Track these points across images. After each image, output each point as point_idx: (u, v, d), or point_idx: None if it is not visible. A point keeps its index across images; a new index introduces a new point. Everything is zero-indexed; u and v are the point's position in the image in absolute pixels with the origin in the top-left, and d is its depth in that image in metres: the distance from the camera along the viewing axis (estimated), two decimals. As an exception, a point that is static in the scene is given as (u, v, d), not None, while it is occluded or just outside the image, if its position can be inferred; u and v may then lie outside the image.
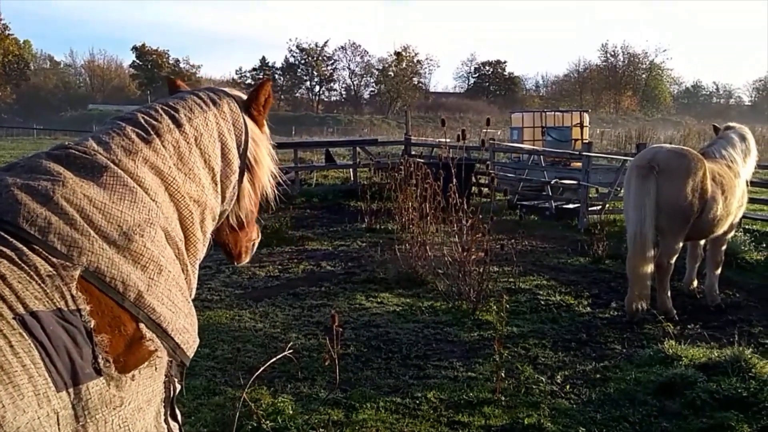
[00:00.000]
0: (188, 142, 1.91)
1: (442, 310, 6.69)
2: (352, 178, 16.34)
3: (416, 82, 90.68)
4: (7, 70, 73.23)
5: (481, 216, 6.96)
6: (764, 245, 9.14)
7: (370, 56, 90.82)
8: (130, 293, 1.56)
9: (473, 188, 13.61)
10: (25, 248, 1.44)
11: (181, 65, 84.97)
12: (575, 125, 25.19)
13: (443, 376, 5.02)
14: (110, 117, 1.99)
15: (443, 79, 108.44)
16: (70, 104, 75.71)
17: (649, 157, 6.44)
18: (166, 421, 1.74)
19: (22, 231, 1.47)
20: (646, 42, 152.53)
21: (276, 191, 2.31)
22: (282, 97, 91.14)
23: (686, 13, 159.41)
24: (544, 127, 25.15)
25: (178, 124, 1.92)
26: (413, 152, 16.71)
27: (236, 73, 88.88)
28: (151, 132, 1.84)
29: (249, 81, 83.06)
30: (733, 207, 6.68)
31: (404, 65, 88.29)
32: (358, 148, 16.84)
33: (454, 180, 7.12)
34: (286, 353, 3.88)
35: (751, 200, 9.42)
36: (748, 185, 7.23)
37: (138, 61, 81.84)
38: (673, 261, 6.42)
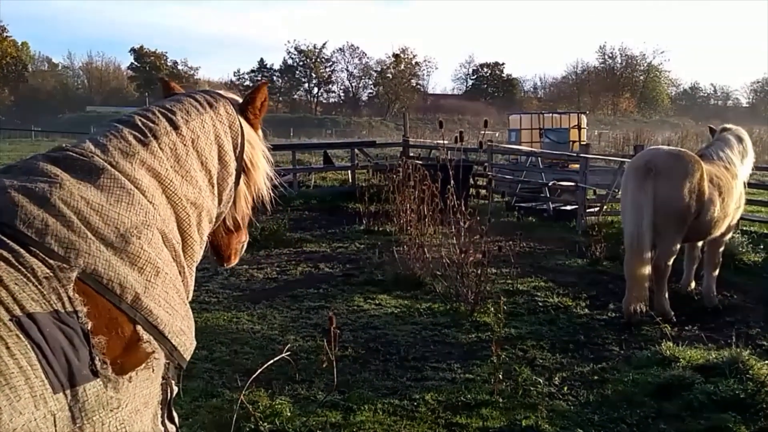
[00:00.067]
0: (185, 145, 1.91)
1: (440, 311, 6.70)
2: (350, 180, 16.33)
3: (414, 84, 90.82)
4: (5, 72, 73.22)
5: (479, 218, 6.97)
6: (762, 247, 9.14)
7: (368, 58, 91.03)
8: (128, 295, 1.56)
9: (471, 190, 13.62)
10: (22, 250, 1.44)
11: (180, 67, 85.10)
12: (573, 127, 25.26)
13: (441, 378, 5.02)
14: (108, 119, 1.99)
15: (441, 80, 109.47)
16: (69, 106, 75.66)
17: (646, 159, 6.46)
18: (163, 423, 1.74)
19: (20, 233, 1.47)
20: (644, 44, 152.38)
21: (272, 194, 2.31)
22: (280, 98, 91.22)
23: (685, 13, 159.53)
24: (542, 128, 25.22)
25: (175, 127, 1.92)
26: (411, 154, 16.72)
27: (234, 75, 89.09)
28: (148, 134, 1.85)
29: (247, 83, 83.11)
30: (730, 209, 6.69)
31: (402, 67, 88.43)
32: (356, 150, 16.84)
33: (452, 182, 7.12)
34: (283, 355, 3.89)
35: (749, 202, 9.43)
36: (745, 187, 7.24)
37: (136, 63, 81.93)
38: (670, 263, 6.42)
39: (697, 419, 4.29)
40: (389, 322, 6.35)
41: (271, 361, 4.07)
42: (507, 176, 15.09)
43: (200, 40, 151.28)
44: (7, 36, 73.92)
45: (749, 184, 8.13)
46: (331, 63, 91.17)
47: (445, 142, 9.41)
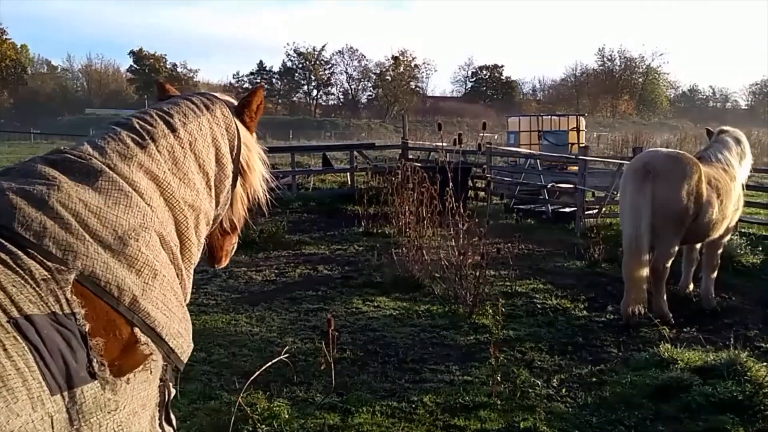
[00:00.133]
0: (183, 147, 1.92)
1: (438, 313, 6.70)
2: (349, 182, 16.35)
3: (414, 87, 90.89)
4: (4, 75, 73.22)
5: (477, 220, 6.98)
6: (760, 249, 9.15)
7: (367, 60, 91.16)
8: (125, 297, 1.57)
9: (470, 192, 13.64)
10: (20, 252, 1.44)
11: (179, 70, 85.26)
12: (572, 129, 25.27)
13: (439, 380, 5.02)
14: (107, 121, 1.99)
15: (441, 83, 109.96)
16: (68, 108, 75.69)
17: (644, 161, 6.47)
18: (161, 425, 1.74)
19: (18, 235, 1.47)
20: (643, 46, 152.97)
21: (268, 196, 2.32)
22: (279, 101, 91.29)
23: (684, 13, 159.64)
24: (541, 131, 25.23)
25: (173, 129, 1.93)
26: (410, 156, 16.73)
27: (234, 78, 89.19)
28: (146, 137, 1.85)
29: (246, 85, 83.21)
30: (729, 211, 6.70)
31: (402, 69, 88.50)
32: (355, 152, 16.87)
33: (451, 184, 7.13)
34: (282, 357, 3.89)
35: (747, 204, 9.43)
36: (743, 189, 7.25)
37: (135, 66, 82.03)
38: (668, 265, 6.43)
39: (696, 421, 4.30)
40: (388, 324, 6.35)
41: (269, 364, 4.07)
42: (506, 178, 15.10)
43: (199, 42, 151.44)
44: (6, 38, 73.97)
45: (748, 186, 8.13)
46: (330, 65, 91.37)
47: (444, 144, 9.43)
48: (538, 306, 6.98)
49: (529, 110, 68.59)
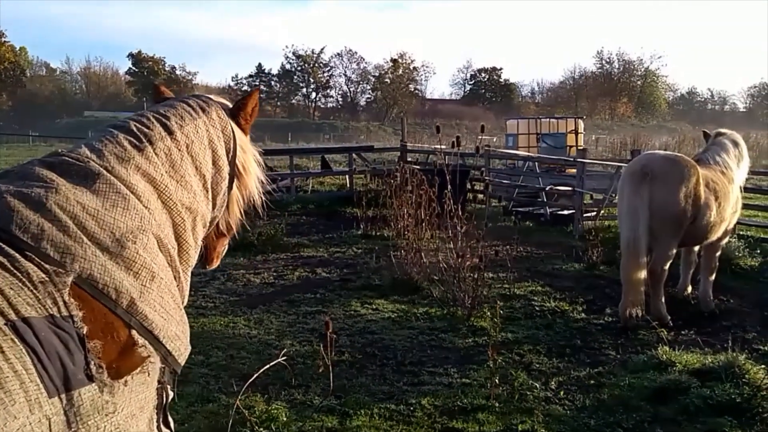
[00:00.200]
0: (180, 150, 1.93)
1: (437, 316, 6.70)
2: (348, 185, 16.35)
3: (412, 89, 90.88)
4: (2, 77, 73.19)
5: (476, 222, 6.98)
6: (758, 251, 9.17)
7: (366, 63, 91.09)
8: (123, 300, 1.57)
9: (468, 195, 13.64)
10: (17, 255, 1.44)
11: (178, 72, 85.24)
12: (570, 132, 25.26)
13: (438, 383, 5.02)
14: (105, 124, 2.00)
15: (439, 85, 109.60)
16: (66, 111, 75.63)
17: (642, 164, 6.48)
18: (158, 428, 1.74)
19: (15, 238, 1.47)
20: (641, 49, 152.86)
21: (263, 198, 2.33)
22: (278, 103, 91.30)
23: (683, 13, 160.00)
24: (539, 133, 25.23)
25: (170, 132, 1.93)
26: (409, 159, 16.74)
27: (232, 80, 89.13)
28: (144, 140, 1.86)
29: (245, 88, 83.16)
30: (727, 213, 6.71)
31: (400, 72, 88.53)
32: (354, 155, 16.88)
33: (449, 186, 7.14)
34: (280, 360, 3.89)
35: (746, 206, 9.44)
36: (741, 191, 7.26)
37: (134, 68, 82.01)
38: (666, 267, 6.43)
39: (694, 423, 4.30)
40: (386, 327, 6.35)
41: (268, 366, 4.07)
42: (504, 181, 15.11)
43: (198, 44, 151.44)
44: (5, 41, 73.96)
45: (746, 189, 8.14)
46: (329, 68, 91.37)
47: (443, 147, 9.44)
48: (537, 308, 6.98)
49: (528, 113, 68.61)
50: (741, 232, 10.45)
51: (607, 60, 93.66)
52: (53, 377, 1.38)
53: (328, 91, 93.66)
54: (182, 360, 1.77)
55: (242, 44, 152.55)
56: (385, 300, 7.25)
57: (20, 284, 1.41)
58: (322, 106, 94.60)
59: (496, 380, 4.74)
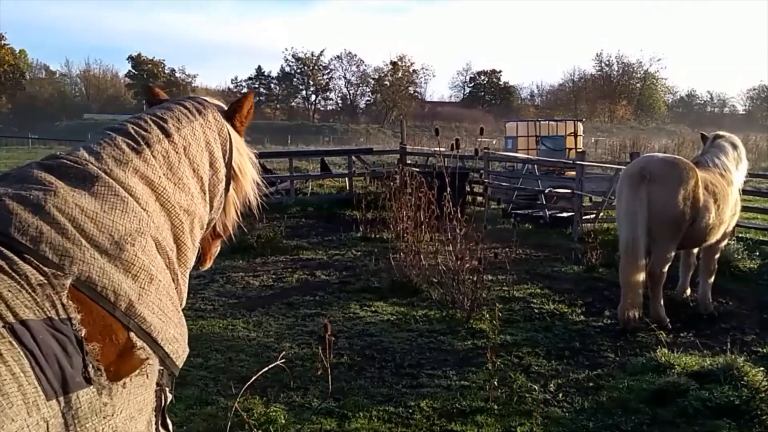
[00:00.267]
0: (177, 152, 1.93)
1: (435, 318, 6.70)
2: (347, 187, 16.36)
3: (412, 92, 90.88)
4: (2, 80, 73.24)
5: (475, 225, 6.99)
6: (757, 253, 9.17)
7: (366, 65, 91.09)
8: (121, 302, 1.57)
9: (468, 197, 13.64)
10: (16, 258, 1.45)
11: (177, 75, 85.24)
12: (569, 134, 25.30)
13: (436, 385, 5.02)
14: (102, 127, 2.00)
15: (439, 88, 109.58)
16: (66, 114, 75.60)
17: (641, 166, 6.49)
18: (157, 430, 1.75)
19: (14, 240, 1.47)
20: (641, 52, 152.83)
21: (259, 200, 2.33)
22: (278, 106, 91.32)
23: (682, 14, 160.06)
24: (539, 136, 25.27)
25: (167, 134, 1.94)
26: (408, 161, 16.75)
27: (232, 83, 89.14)
28: (141, 142, 1.86)
29: (245, 90, 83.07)
30: (726, 216, 6.71)
31: (400, 75, 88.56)
32: (353, 157, 16.87)
33: (448, 189, 7.14)
34: (278, 362, 3.89)
35: (745, 209, 9.46)
36: (740, 194, 7.27)
37: (134, 71, 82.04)
38: (665, 269, 6.44)
39: (692, 426, 4.31)
40: (385, 329, 6.35)
41: (266, 369, 4.06)
42: (503, 183, 15.11)
43: (198, 47, 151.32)
44: (4, 43, 74.03)
45: (745, 191, 8.15)
46: (328, 70, 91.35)
47: (442, 149, 9.45)
48: (536, 311, 6.98)
49: (527, 115, 68.72)
50: (740, 235, 10.46)
51: (607, 62, 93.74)
52: (51, 380, 1.38)
53: (328, 93, 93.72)
54: (180, 362, 1.78)
55: (242, 47, 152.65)
56: (384, 302, 7.25)
57: (18, 287, 1.41)
58: (322, 108, 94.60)
59: (495, 382, 4.74)
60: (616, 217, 7.11)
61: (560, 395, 4.86)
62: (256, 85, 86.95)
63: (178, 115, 2.02)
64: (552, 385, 5.05)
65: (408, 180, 8.97)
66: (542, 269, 9.02)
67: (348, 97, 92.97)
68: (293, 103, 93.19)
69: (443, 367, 5.40)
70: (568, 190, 12.87)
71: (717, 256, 7.19)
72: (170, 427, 1.83)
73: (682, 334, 6.25)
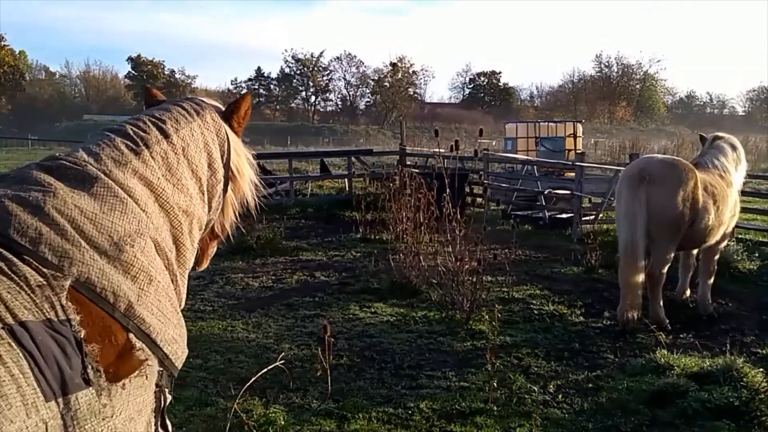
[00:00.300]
0: (176, 153, 1.93)
1: (435, 319, 6.70)
2: (347, 189, 16.37)
3: (412, 93, 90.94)
4: (2, 81, 73.24)
5: (474, 226, 6.99)
6: (757, 255, 9.18)
7: (365, 67, 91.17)
8: (121, 304, 1.57)
9: (467, 198, 13.65)
10: (15, 259, 1.44)
11: (177, 76, 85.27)
12: (569, 135, 25.36)
13: (436, 386, 5.02)
14: (101, 128, 2.00)
15: (439, 89, 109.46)
16: (66, 115, 75.62)
17: (640, 167, 6.49)
18: (156, 431, 1.75)
19: (13, 242, 1.47)
20: (640, 53, 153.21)
21: (257, 200, 2.34)
22: (278, 107, 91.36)
23: (682, 14, 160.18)
24: (538, 137, 25.31)
25: (166, 135, 1.94)
26: (408, 162, 16.75)
27: (232, 84, 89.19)
28: (140, 143, 1.86)
29: (245, 91, 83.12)
30: (725, 217, 6.72)
31: (400, 76, 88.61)
32: (353, 158, 16.88)
33: (448, 190, 7.15)
34: (278, 364, 3.88)
35: (744, 210, 9.46)
36: (739, 195, 7.27)
37: (133, 72, 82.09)
38: (664, 271, 6.44)
39: (692, 427, 4.31)
40: (384, 331, 6.35)
41: (265, 370, 4.06)
42: (503, 184, 15.12)
43: (198, 48, 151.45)
44: (4, 45, 74.05)
45: (745, 192, 8.18)
46: (328, 72, 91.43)
47: (442, 150, 9.46)
48: (535, 312, 6.98)
49: (527, 117, 68.74)
50: (740, 236, 10.47)
51: (606, 64, 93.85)
52: (50, 381, 1.38)
53: (328, 94, 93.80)
54: (179, 363, 1.78)
55: (241, 48, 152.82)
56: (383, 303, 7.25)
57: (18, 288, 1.41)
58: (322, 109, 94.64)
59: (495, 384, 4.74)
60: (616, 219, 7.11)
61: (560, 396, 4.86)
62: (256, 86, 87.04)
63: (176, 116, 2.02)
64: (551, 386, 5.05)
65: (407, 181, 8.97)
66: (542, 270, 9.02)
67: (348, 98, 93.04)
68: (293, 105, 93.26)
69: (443, 368, 5.40)
70: (568, 192, 12.88)
71: (716, 257, 7.20)
72: (169, 428, 1.83)
73: (681, 335, 6.25)
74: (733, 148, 7.16)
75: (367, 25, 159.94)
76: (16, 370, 1.32)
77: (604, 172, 15.10)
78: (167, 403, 1.79)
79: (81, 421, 1.43)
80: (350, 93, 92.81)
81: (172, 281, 1.82)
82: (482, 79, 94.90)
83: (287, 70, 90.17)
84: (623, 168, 9.13)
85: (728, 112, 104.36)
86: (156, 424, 1.75)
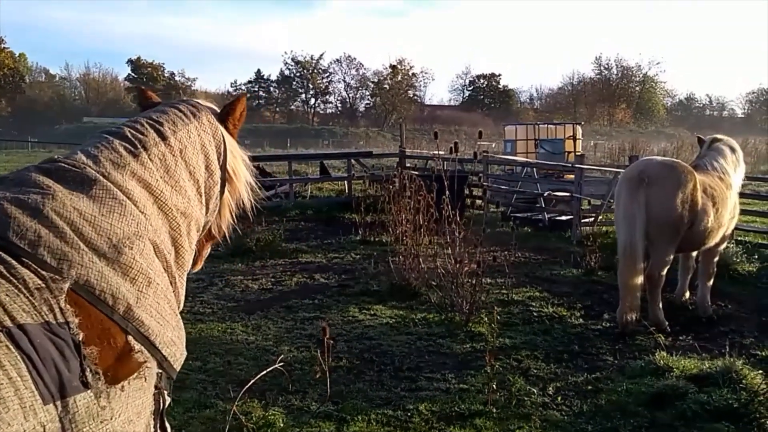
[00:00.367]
0: (174, 155, 1.94)
1: (434, 321, 6.70)
2: (346, 191, 16.37)
3: (411, 95, 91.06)
4: (2, 83, 73.29)
5: (474, 228, 6.99)
6: (756, 257, 9.18)
7: (365, 69, 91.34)
8: (120, 306, 1.57)
9: (467, 200, 13.66)
10: (14, 261, 1.45)
11: (177, 78, 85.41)
12: (568, 138, 25.39)
13: (435, 388, 5.02)
14: (99, 130, 2.01)
15: (438, 91, 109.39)
16: (65, 117, 75.61)
17: (639, 169, 6.49)
18: (155, 433, 1.75)
19: (12, 244, 1.47)
20: (640, 55, 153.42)
21: (253, 202, 2.34)
22: (277, 109, 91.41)
23: (681, 14, 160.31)
24: (538, 139, 25.33)
25: (163, 137, 1.94)
26: (408, 164, 16.77)
27: (231, 86, 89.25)
28: (138, 145, 1.87)
29: (240, 93, 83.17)
30: (724, 219, 6.72)
31: (399, 78, 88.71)
32: (353, 161, 16.89)
33: (447, 192, 7.15)
34: (277, 366, 3.89)
35: (744, 212, 9.48)
36: (738, 197, 7.27)
37: (133, 74, 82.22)
38: (663, 273, 6.44)
39: (691, 429, 4.30)
40: (384, 333, 6.35)
41: (265, 372, 4.06)
42: (502, 187, 15.14)
43: (197, 51, 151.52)
44: (4, 47, 74.10)
45: (744, 194, 8.18)
46: (328, 74, 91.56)
47: (441, 152, 9.45)
48: (534, 314, 6.98)
49: (527, 119, 68.74)
50: (739, 238, 10.46)
51: (606, 66, 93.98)
52: (48, 384, 1.38)
53: (327, 97, 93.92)
54: (178, 366, 1.78)
55: (241, 50, 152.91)
56: (383, 306, 7.25)
57: (16, 291, 1.41)
58: (321, 111, 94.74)
59: (494, 386, 4.74)
60: (615, 221, 7.11)
61: (559, 398, 4.86)
62: (256, 89, 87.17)
63: (173, 118, 2.03)
64: (551, 388, 5.04)
65: (407, 183, 8.97)
66: (541, 272, 9.02)
67: (347, 100, 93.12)
68: (293, 107, 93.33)
69: (442, 371, 5.39)
70: (567, 194, 12.88)
71: (716, 259, 7.20)
72: (168, 430, 1.83)
73: (680, 337, 6.25)
74: (732, 150, 7.16)
75: (366, 28, 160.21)
76: (14, 373, 1.32)
77: (604, 174, 15.11)
78: (166, 406, 1.79)
79: (79, 424, 1.43)
80: (350, 95, 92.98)
81: (171, 283, 1.83)
82: (482, 81, 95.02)
83: (287, 72, 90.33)
84: (622, 170, 9.14)
85: (727, 114, 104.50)
86: (155, 427, 1.75)
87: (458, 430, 4.32)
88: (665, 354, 5.42)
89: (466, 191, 14.02)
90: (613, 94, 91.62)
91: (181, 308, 1.91)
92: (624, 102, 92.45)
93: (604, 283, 8.24)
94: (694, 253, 7.26)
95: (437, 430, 4.34)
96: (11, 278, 1.42)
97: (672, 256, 6.56)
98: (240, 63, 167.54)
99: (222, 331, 6.40)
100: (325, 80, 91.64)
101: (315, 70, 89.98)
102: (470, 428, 4.35)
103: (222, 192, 2.14)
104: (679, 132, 70.42)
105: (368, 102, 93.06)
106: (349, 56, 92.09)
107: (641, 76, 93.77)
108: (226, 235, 2.31)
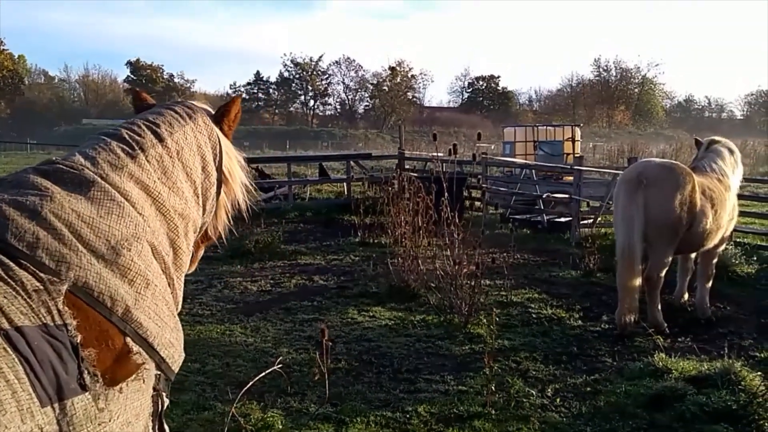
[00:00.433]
0: (171, 156, 1.94)
1: (433, 323, 6.70)
2: (345, 192, 16.37)
3: (411, 97, 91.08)
4: (1, 85, 73.28)
5: (473, 230, 6.99)
6: (755, 258, 9.18)
7: (364, 71, 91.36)
8: (118, 308, 1.57)
9: (466, 202, 13.66)
10: (12, 264, 1.45)
11: (176, 80, 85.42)
12: (567, 139, 25.39)
13: (434, 390, 5.02)
14: (96, 132, 2.01)
15: (437, 93, 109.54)
16: (64, 119, 75.63)
17: (638, 171, 6.50)
18: (154, 435, 1.75)
19: (10, 246, 1.47)
20: (639, 57, 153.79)
21: (248, 203, 2.34)
22: (276, 111, 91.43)
23: (681, 14, 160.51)
24: (537, 141, 25.34)
25: (160, 139, 1.95)
26: (407, 166, 16.76)
27: (230, 88, 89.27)
28: (136, 147, 1.87)
29: (243, 96, 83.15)
30: (723, 220, 6.72)
31: (398, 80, 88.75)
32: (351, 162, 16.90)
33: (446, 194, 7.15)
34: (276, 368, 3.89)
35: (742, 213, 9.48)
36: (737, 198, 7.27)
37: (132, 76, 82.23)
38: (662, 274, 6.44)
39: (689, 430, 4.30)
40: (383, 335, 6.35)
41: (264, 374, 4.06)
42: (501, 188, 15.14)
43: (197, 52, 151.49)
44: (3, 49, 74.11)
45: (743, 196, 8.18)
46: (327, 76, 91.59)
47: (440, 154, 9.46)
48: (533, 316, 6.98)
49: (525, 120, 68.78)
50: (738, 240, 10.47)
51: (605, 68, 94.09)
52: (46, 387, 1.38)
53: (327, 98, 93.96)
54: (176, 367, 1.78)
55: (240, 52, 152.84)
56: (382, 307, 7.25)
57: (14, 293, 1.41)
58: (321, 113, 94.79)
59: (493, 387, 4.73)
60: (614, 222, 7.12)
61: (558, 400, 4.85)
62: (255, 90, 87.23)
63: (169, 119, 2.03)
64: (549, 389, 5.04)
65: (406, 185, 8.98)
66: (540, 274, 9.02)
67: (346, 102, 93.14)
68: (292, 109, 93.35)
69: (441, 372, 5.39)
70: (566, 195, 12.88)
71: (715, 260, 7.20)
72: (167, 432, 1.83)
73: (679, 339, 6.25)
74: (730, 151, 7.17)
75: (366, 29, 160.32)
76: (12, 376, 1.32)
77: (603, 176, 15.11)
78: (165, 407, 1.80)
79: (77, 427, 1.43)
80: (349, 97, 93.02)
81: (169, 285, 1.83)
82: (481, 83, 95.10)
83: (286, 74, 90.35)
84: (621, 172, 9.14)
85: (726, 116, 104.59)
86: (153, 428, 1.75)
87: (457, 432, 4.32)
88: (664, 355, 5.41)
89: (465, 193, 14.04)
90: (612, 96, 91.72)
91: (179, 310, 1.91)
92: (623, 104, 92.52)
93: (603, 285, 8.24)
94: (693, 255, 7.27)
95: (436, 431, 4.34)
96: (9, 280, 1.42)
97: (671, 258, 6.56)
98: (239, 65, 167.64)
99: (221, 332, 6.40)
100: (324, 82, 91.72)
101: (314, 72, 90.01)
102: (469, 430, 4.35)
103: (218, 193, 2.14)
104: (677, 134, 70.47)
105: (367, 104, 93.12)
106: (348, 58, 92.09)
107: (640, 77, 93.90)
108: (222, 236, 2.31)
